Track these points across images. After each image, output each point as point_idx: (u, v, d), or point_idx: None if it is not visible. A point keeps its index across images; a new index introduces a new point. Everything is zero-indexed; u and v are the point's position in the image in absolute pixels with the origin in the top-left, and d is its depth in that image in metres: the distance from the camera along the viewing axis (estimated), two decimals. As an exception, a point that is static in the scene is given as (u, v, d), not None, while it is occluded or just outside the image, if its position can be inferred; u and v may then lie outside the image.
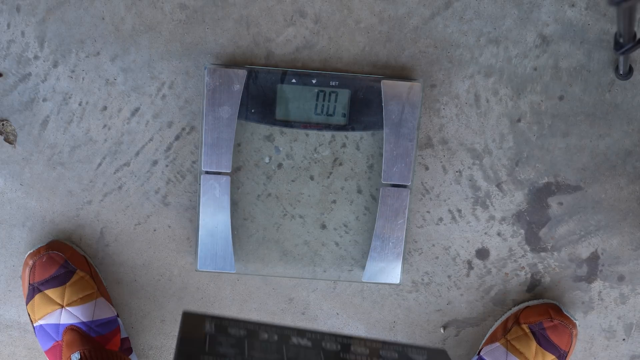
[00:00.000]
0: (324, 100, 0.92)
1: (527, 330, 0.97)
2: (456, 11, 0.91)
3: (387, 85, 0.92)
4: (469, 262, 1.01)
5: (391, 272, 0.98)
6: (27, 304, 0.98)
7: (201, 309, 1.03)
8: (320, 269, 1.01)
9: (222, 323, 0.72)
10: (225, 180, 0.94)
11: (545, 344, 0.96)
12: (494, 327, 1.02)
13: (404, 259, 0.99)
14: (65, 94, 0.95)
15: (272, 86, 0.92)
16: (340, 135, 0.96)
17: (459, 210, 0.98)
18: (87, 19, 0.92)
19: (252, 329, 0.73)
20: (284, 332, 0.74)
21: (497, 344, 0.98)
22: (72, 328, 0.95)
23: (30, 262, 0.97)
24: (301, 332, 0.74)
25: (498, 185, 0.98)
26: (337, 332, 0.76)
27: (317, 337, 0.74)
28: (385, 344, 0.74)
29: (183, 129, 0.96)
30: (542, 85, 0.94)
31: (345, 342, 0.74)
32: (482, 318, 1.03)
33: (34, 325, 0.97)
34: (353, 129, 0.93)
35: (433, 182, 0.97)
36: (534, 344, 0.96)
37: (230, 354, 0.67)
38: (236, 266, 1.00)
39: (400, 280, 0.98)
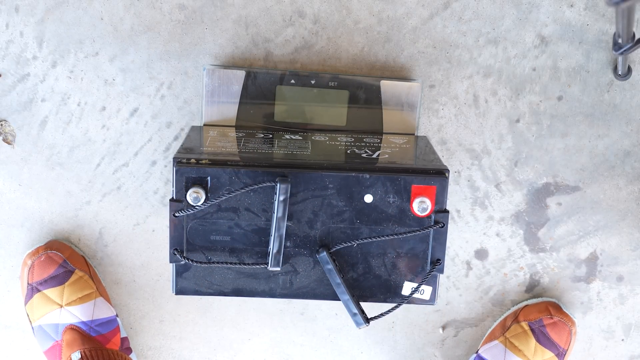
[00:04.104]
0: (323, 101, 0.92)
1: (527, 328, 0.97)
2: (455, 11, 0.91)
3: (386, 86, 0.92)
4: (468, 263, 1.01)
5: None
6: (25, 304, 0.98)
7: (200, 310, 1.03)
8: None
9: (224, 130, 0.89)
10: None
11: (545, 341, 0.96)
12: (493, 326, 1.02)
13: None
14: (64, 95, 0.94)
15: (271, 87, 0.92)
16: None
17: (458, 211, 0.98)
18: (86, 19, 0.92)
19: (250, 131, 0.89)
20: (278, 132, 0.89)
21: (496, 341, 0.98)
22: (72, 327, 0.95)
23: (29, 262, 0.96)
24: (294, 132, 0.89)
25: (497, 186, 0.98)
26: (326, 128, 0.92)
27: (307, 133, 0.90)
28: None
29: (182, 129, 0.96)
30: (540, 85, 0.94)
31: (332, 135, 0.89)
32: (481, 318, 1.03)
33: (33, 325, 0.97)
34: (352, 130, 0.93)
35: (432, 183, 0.97)
36: (533, 342, 0.96)
37: (227, 146, 0.82)
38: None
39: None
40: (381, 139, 0.89)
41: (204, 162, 0.77)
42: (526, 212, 0.99)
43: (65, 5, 0.91)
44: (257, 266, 0.79)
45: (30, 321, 0.98)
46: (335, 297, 0.82)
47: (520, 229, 0.99)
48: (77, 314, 0.95)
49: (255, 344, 1.05)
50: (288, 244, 0.79)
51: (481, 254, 1.01)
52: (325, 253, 0.79)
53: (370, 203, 0.78)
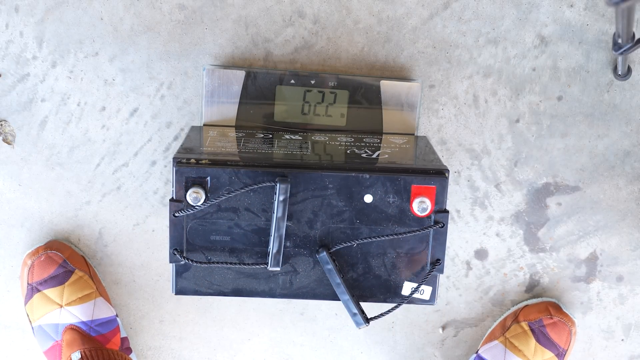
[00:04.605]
0: (322, 101, 0.92)
1: (527, 328, 0.97)
2: (455, 12, 0.91)
3: (386, 86, 0.92)
4: (468, 263, 1.01)
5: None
6: (25, 304, 0.98)
7: (199, 310, 1.03)
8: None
9: (224, 130, 0.90)
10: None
11: (545, 341, 0.96)
12: (493, 326, 1.02)
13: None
14: (63, 95, 0.95)
15: (270, 87, 0.92)
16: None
17: (458, 211, 0.99)
18: (86, 19, 0.92)
19: (250, 131, 0.90)
20: (278, 132, 0.90)
21: (496, 342, 0.98)
22: (72, 327, 0.95)
23: (29, 262, 0.97)
24: (293, 132, 0.90)
25: (497, 186, 0.98)
26: (326, 128, 0.93)
27: (307, 133, 0.91)
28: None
29: (182, 129, 0.96)
30: (540, 85, 0.94)
31: (332, 135, 0.90)
32: (481, 318, 1.03)
33: (33, 325, 0.97)
34: (352, 130, 0.93)
35: (432, 183, 0.97)
36: (532, 342, 0.96)
37: (227, 146, 0.83)
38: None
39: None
40: (381, 139, 0.89)
41: (204, 162, 0.77)
42: (526, 212, 0.99)
43: (65, 5, 0.91)
44: (257, 266, 0.79)
45: (30, 321, 0.98)
46: (335, 297, 0.82)
47: (520, 229, 0.99)
48: (77, 314, 0.95)
49: (255, 344, 1.05)
50: (288, 244, 0.80)
51: (481, 254, 1.01)
52: (325, 253, 0.79)
53: (370, 203, 0.78)
